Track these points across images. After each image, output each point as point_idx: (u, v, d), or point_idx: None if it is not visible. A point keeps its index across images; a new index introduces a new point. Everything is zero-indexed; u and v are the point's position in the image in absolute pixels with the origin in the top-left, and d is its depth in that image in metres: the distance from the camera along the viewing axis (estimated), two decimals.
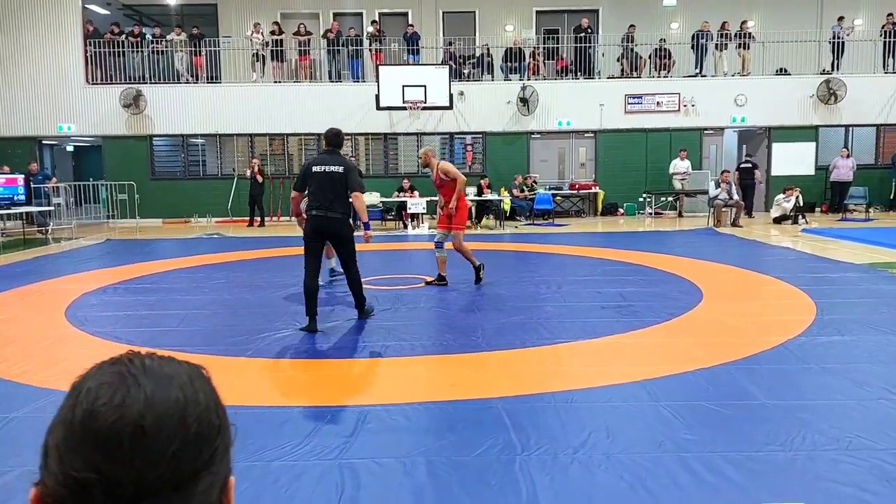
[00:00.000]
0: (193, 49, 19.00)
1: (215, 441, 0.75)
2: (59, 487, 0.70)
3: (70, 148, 23.64)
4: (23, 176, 14.58)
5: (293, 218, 6.23)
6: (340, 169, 6.09)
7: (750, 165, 17.85)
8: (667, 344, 5.58)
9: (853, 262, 9.75)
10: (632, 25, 19.35)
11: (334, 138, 6.33)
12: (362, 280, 6.61)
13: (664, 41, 19.46)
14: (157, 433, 0.71)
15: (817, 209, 18.45)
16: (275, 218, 18.62)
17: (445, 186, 8.26)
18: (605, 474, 3.24)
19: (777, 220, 15.95)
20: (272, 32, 19.17)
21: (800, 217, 15.67)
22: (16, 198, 14.09)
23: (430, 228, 15.86)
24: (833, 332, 5.77)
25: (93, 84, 18.75)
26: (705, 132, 19.21)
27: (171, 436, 0.71)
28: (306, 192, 6.22)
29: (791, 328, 5.87)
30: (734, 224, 15.53)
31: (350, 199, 6.27)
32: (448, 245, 8.38)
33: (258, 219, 17.35)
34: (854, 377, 4.57)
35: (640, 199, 18.75)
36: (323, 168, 6.09)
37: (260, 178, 17.24)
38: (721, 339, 5.63)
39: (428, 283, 8.52)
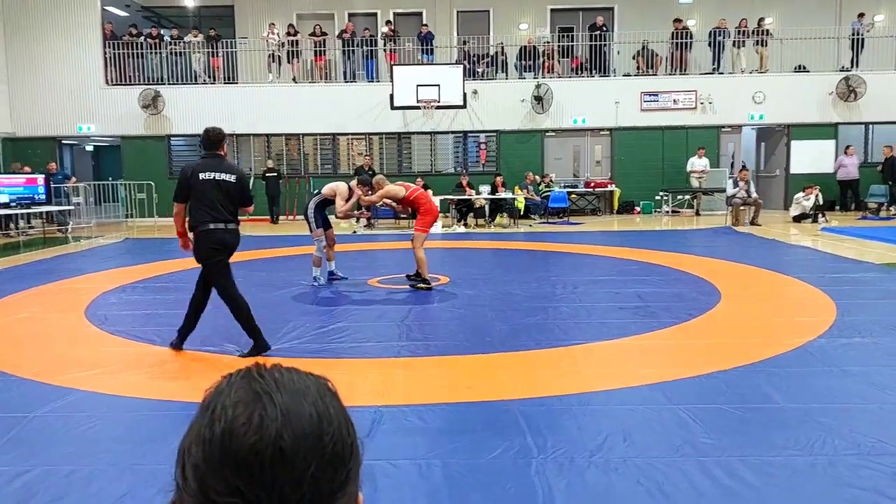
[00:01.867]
0: (211, 50, 19.11)
1: (349, 461, 0.75)
2: None
3: (90, 147, 23.87)
4: (43, 176, 14.74)
5: (181, 239, 5.58)
6: (233, 178, 5.27)
7: (742, 164, 18.04)
8: (684, 345, 5.54)
9: (874, 261, 9.63)
10: (678, 20, 19.25)
11: (214, 139, 5.37)
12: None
13: (682, 28, 19.20)
14: (296, 454, 0.70)
15: (837, 207, 18.25)
16: (290, 217, 18.71)
17: (415, 201, 8.25)
18: (622, 478, 3.21)
19: (796, 219, 15.80)
20: (288, 33, 19.25)
21: (819, 216, 15.51)
22: (36, 197, 14.25)
23: (443, 227, 15.86)
24: (854, 333, 5.71)
25: (112, 85, 18.91)
26: (723, 130, 19.07)
27: (309, 456, 0.71)
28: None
29: (811, 329, 5.81)
30: (752, 223, 15.39)
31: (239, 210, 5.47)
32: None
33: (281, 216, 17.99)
34: (875, 380, 4.51)
35: (657, 198, 18.64)
36: (212, 175, 5.21)
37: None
38: (739, 341, 5.58)
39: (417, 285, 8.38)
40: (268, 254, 11.78)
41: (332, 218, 8.80)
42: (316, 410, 0.74)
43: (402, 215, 15.51)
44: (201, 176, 5.22)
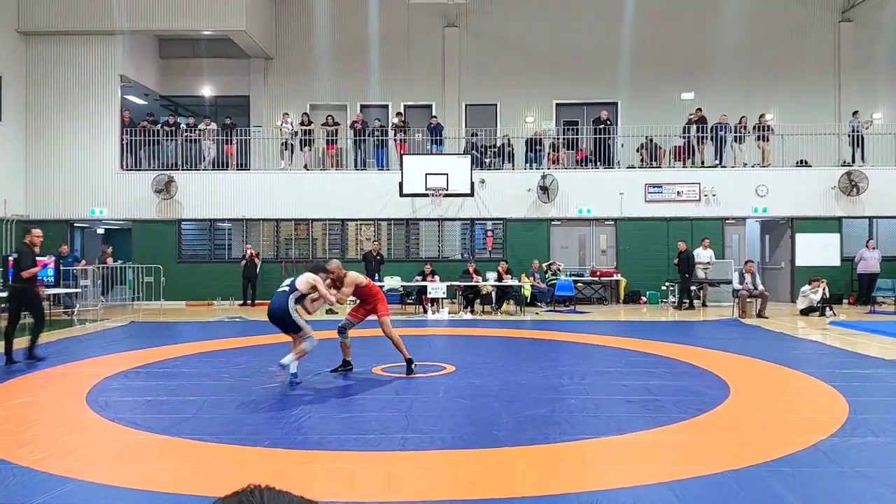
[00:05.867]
0: (225, 138, 19.64)
1: None
2: None
3: (100, 230, 24.16)
4: (53, 258, 14.87)
5: None
6: (15, 254, 7.15)
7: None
8: (694, 442, 5.43)
9: (884, 357, 9.52)
10: (699, 108, 19.79)
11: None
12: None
13: (687, 130, 19.73)
14: None
15: (844, 301, 18.20)
16: None
17: (373, 290, 8.42)
18: None
19: (804, 312, 15.73)
20: (301, 123, 19.79)
21: (827, 309, 15.44)
22: (45, 279, 14.32)
23: (449, 314, 15.84)
24: (867, 432, 5.59)
25: (126, 170, 19.34)
26: (727, 221, 19.25)
27: None
28: None
29: (823, 427, 5.70)
30: (759, 315, 15.32)
31: None
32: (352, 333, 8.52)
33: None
34: (890, 482, 4.39)
35: (663, 288, 18.65)
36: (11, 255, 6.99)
37: (258, 262, 18.40)
38: (750, 438, 5.47)
39: (332, 371, 8.34)
40: (276, 339, 11.73)
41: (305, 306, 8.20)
42: None
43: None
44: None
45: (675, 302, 17.66)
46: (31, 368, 8.83)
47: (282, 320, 7.59)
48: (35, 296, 9.40)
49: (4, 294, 13.48)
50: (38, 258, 9.38)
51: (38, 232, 9.43)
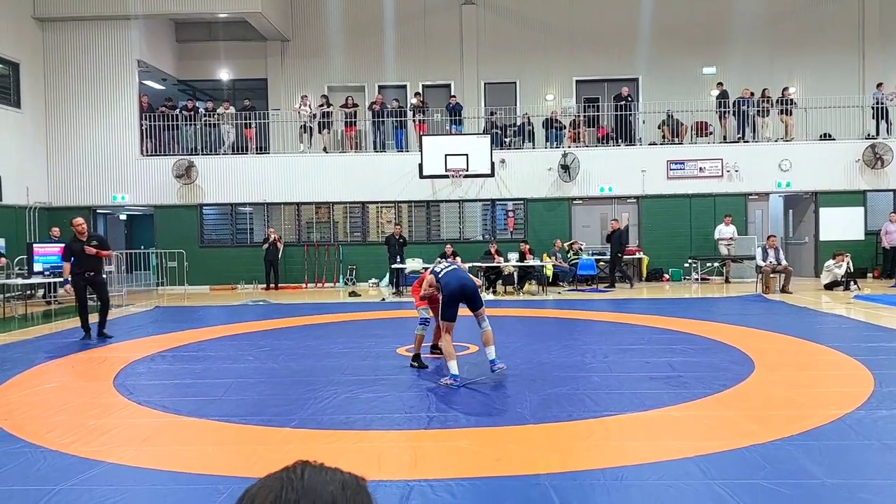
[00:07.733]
0: (244, 121, 19.69)
1: None
2: None
3: (123, 216, 24.42)
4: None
5: None
6: None
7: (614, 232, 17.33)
8: (719, 417, 5.41)
9: None
10: (720, 83, 19.54)
11: None
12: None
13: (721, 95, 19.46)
14: None
15: (869, 275, 17.97)
16: (319, 284, 18.88)
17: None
18: None
19: (828, 287, 15.56)
20: (320, 105, 19.78)
21: (851, 283, 15.26)
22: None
23: None
24: (893, 405, 5.54)
25: (147, 156, 19.48)
26: (750, 197, 19.03)
27: None
28: None
29: (848, 401, 5.65)
30: (783, 290, 15.18)
31: None
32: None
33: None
34: None
35: (686, 265, 18.52)
36: None
37: (280, 246, 18.37)
38: (776, 413, 5.44)
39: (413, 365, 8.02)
40: (300, 321, 11.83)
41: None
42: (333, 499, 0.83)
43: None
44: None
45: (607, 284, 17.55)
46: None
47: (475, 294, 7.40)
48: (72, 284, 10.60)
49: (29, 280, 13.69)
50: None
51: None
